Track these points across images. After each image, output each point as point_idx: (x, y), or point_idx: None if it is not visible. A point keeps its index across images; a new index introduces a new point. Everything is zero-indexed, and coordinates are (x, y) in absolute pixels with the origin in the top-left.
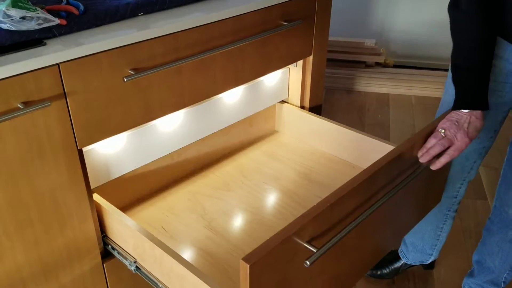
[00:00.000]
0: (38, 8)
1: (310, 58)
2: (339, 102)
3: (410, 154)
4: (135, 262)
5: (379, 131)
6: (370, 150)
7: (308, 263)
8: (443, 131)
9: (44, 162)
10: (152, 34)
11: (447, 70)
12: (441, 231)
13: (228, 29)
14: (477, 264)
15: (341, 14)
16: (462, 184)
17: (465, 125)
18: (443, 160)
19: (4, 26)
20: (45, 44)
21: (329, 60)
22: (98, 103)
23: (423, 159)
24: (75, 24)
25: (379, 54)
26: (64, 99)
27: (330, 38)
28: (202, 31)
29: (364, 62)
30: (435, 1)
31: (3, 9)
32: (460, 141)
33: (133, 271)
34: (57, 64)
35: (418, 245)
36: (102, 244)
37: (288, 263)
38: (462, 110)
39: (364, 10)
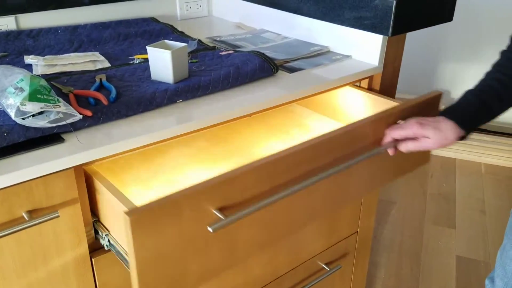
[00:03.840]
0: (60, 100)
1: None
2: None
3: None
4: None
5: (443, 204)
6: None
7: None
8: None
9: (51, 273)
10: (194, 126)
11: None
12: None
13: (334, 145)
14: None
15: (406, 70)
16: None
17: (429, 119)
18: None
19: (18, 121)
20: (63, 141)
21: None
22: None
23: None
24: (102, 114)
25: None
26: (78, 204)
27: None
28: (305, 151)
29: None
30: None
31: (18, 103)
32: (410, 124)
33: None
34: (72, 167)
35: None
36: None
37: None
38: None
39: (431, 67)
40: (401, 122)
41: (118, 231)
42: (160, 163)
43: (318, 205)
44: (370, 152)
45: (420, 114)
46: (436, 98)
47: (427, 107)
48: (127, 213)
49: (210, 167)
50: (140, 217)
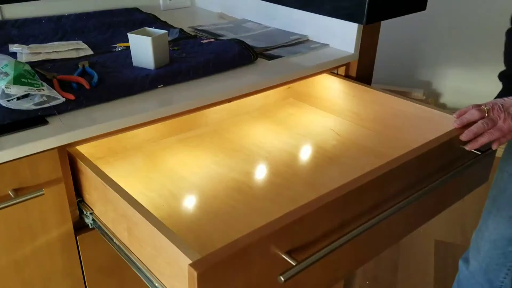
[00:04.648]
0: (43, 84)
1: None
2: None
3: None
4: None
5: None
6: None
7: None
8: (487, 108)
9: (37, 249)
10: (174, 110)
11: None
12: None
13: (403, 172)
14: None
15: (387, 60)
16: (507, 274)
17: (510, 109)
18: (482, 140)
19: (3, 103)
20: (47, 123)
21: None
22: None
23: (464, 137)
24: (84, 98)
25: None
26: (62, 183)
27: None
28: (375, 182)
29: None
30: (491, 53)
31: (3, 86)
32: (503, 121)
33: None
34: (56, 148)
35: None
36: None
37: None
38: (509, 97)
39: (412, 57)
40: (486, 108)
41: (169, 275)
42: (150, 154)
43: (385, 235)
44: (445, 177)
45: None
46: None
47: None
48: (193, 266)
49: (196, 157)
50: (208, 270)
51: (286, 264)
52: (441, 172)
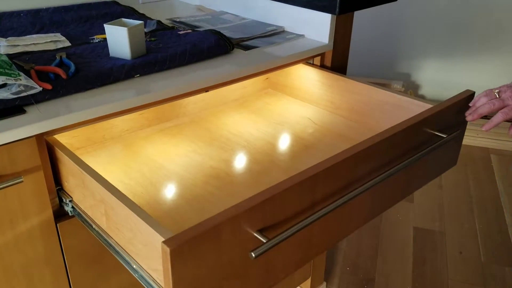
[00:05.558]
0: (20, 74)
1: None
2: None
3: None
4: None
5: None
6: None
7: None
8: (497, 91)
9: (18, 237)
10: (150, 98)
11: (487, 117)
12: None
13: (372, 154)
14: None
15: (367, 52)
16: None
17: None
18: (496, 120)
19: None
20: (24, 112)
21: None
22: None
23: (470, 118)
24: (61, 88)
25: None
26: (41, 171)
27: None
28: (345, 163)
29: None
30: (468, 43)
31: None
32: None
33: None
34: (34, 135)
35: None
36: None
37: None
38: None
39: (391, 49)
40: (495, 91)
41: (146, 256)
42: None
43: (355, 216)
44: (411, 158)
45: (453, 115)
46: (470, 98)
47: (461, 107)
48: (166, 243)
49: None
50: (181, 246)
51: (257, 242)
52: (408, 154)
